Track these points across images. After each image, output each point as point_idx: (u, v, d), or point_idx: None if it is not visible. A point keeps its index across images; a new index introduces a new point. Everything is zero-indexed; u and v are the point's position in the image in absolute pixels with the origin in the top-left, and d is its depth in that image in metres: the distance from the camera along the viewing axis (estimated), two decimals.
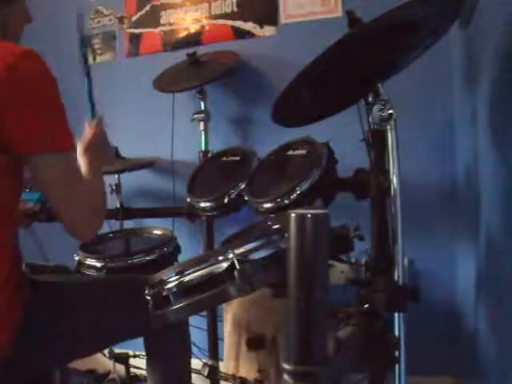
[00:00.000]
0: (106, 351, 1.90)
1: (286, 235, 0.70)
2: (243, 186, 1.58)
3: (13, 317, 1.03)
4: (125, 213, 2.03)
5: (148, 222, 2.17)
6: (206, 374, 1.63)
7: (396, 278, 1.16)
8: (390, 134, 1.17)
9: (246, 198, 1.52)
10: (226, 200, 1.63)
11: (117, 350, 1.90)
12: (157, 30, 2.34)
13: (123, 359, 1.88)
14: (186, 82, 2.03)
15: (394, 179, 1.18)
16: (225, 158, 1.85)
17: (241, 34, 2.18)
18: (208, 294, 0.95)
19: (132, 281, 1.29)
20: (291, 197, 1.34)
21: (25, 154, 1.01)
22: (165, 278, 1.00)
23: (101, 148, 1.29)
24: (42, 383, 1.28)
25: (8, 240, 1.07)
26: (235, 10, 2.19)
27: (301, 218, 0.68)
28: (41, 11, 2.46)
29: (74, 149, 1.09)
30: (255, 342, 1.44)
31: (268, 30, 2.14)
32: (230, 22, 2.20)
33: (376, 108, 1.15)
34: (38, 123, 1.00)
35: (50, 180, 1.03)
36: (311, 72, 1.13)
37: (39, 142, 1.00)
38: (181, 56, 2.11)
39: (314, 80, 1.20)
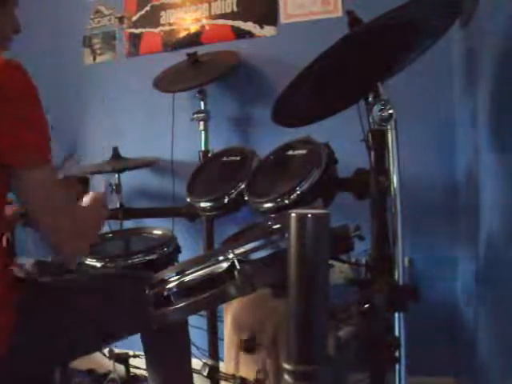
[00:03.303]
0: (106, 351, 1.90)
1: (286, 235, 0.70)
2: (243, 186, 1.58)
3: (6, 316, 1.03)
4: (125, 213, 2.03)
5: (148, 222, 2.17)
6: (205, 373, 1.63)
7: (396, 278, 1.16)
8: (390, 134, 1.17)
9: (246, 198, 1.52)
10: (226, 200, 1.63)
11: (117, 350, 1.90)
12: (157, 30, 2.34)
13: (123, 359, 1.88)
14: (186, 81, 2.03)
15: (394, 179, 1.18)
16: (225, 158, 1.85)
17: (241, 33, 2.18)
18: (208, 294, 0.95)
19: (131, 278, 1.29)
20: (291, 197, 1.34)
21: (14, 167, 1.01)
22: (165, 278, 1.00)
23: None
24: (42, 383, 1.28)
25: None
26: (235, 9, 2.19)
27: (301, 218, 0.68)
28: (41, 11, 2.47)
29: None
30: (255, 342, 1.44)
31: (268, 30, 2.14)
32: (229, 22, 2.20)
33: (376, 108, 1.15)
34: (29, 136, 1.00)
35: (36, 190, 1.03)
36: (311, 72, 1.14)
37: (29, 156, 1.00)
38: (181, 56, 2.11)
39: (314, 80, 1.20)
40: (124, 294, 1.23)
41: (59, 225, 1.07)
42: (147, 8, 2.35)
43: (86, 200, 1.24)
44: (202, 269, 0.97)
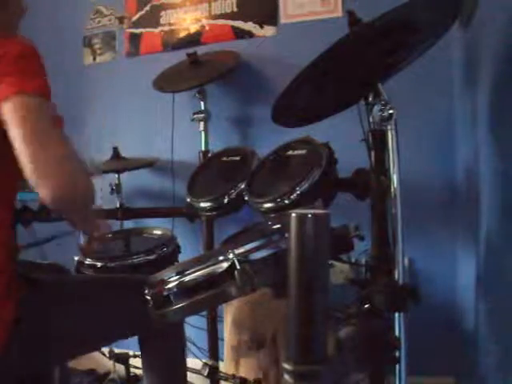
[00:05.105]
0: (106, 351, 1.90)
1: (286, 235, 0.70)
2: (243, 186, 1.58)
3: (6, 314, 1.03)
4: (125, 213, 2.03)
5: (148, 222, 2.17)
6: (205, 374, 1.63)
7: (396, 277, 1.16)
8: (390, 134, 1.17)
9: (246, 198, 1.52)
10: (226, 200, 1.63)
11: (117, 350, 1.90)
12: (157, 30, 2.34)
13: (123, 359, 1.87)
14: (185, 81, 2.03)
15: (394, 179, 1.18)
16: (225, 158, 1.85)
17: (241, 33, 2.18)
18: (208, 294, 0.95)
19: (131, 280, 1.29)
20: (291, 197, 1.34)
21: None
22: (165, 278, 1.00)
23: None
24: (41, 383, 1.28)
25: (4, 229, 1.07)
26: (235, 9, 2.19)
27: (301, 218, 0.68)
28: (41, 11, 2.47)
29: (43, 94, 1.01)
30: (255, 342, 1.44)
31: (268, 30, 2.14)
32: (230, 22, 2.20)
33: (376, 108, 1.15)
34: (10, 77, 0.98)
35: (15, 122, 0.96)
36: (311, 72, 1.14)
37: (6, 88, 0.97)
38: (181, 56, 2.11)
39: (314, 80, 1.20)
40: (122, 296, 1.23)
41: (46, 153, 0.96)
42: (147, 8, 2.35)
43: None
44: (202, 269, 0.97)
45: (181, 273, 0.99)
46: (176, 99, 2.13)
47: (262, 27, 2.14)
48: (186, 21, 2.28)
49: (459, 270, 1.88)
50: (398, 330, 1.16)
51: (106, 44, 2.45)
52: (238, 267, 0.92)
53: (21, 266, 1.27)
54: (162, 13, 2.33)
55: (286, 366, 0.69)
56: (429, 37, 1.20)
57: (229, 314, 1.58)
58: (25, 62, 1.01)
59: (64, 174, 0.97)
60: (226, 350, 1.62)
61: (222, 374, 1.61)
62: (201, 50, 2.11)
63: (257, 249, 0.97)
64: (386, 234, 1.20)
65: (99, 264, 1.63)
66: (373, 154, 1.22)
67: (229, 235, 1.48)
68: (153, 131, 2.32)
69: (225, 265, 0.95)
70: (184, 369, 1.38)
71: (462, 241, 1.83)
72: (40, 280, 1.18)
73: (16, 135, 0.95)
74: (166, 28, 2.32)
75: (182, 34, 2.30)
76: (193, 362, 1.42)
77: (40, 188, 0.95)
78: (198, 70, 2.03)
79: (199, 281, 0.97)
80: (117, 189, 2.05)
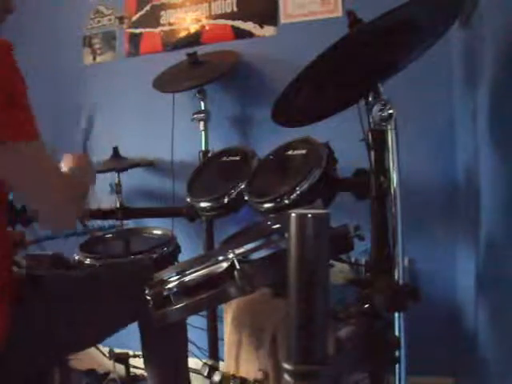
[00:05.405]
0: (106, 351, 1.90)
1: (286, 235, 0.70)
2: (243, 186, 1.58)
3: (4, 310, 1.03)
4: (125, 212, 2.03)
5: (148, 222, 2.17)
6: (205, 374, 1.63)
7: (396, 277, 1.16)
8: (389, 134, 1.17)
9: (246, 198, 1.52)
10: (226, 200, 1.63)
11: (117, 350, 1.90)
12: (157, 30, 2.34)
13: (123, 359, 1.88)
14: (186, 81, 2.03)
15: (394, 179, 1.18)
16: (225, 158, 1.85)
17: (241, 34, 2.18)
18: (208, 294, 0.95)
19: (132, 268, 1.30)
20: (291, 197, 1.34)
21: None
22: (165, 278, 1.00)
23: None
24: (41, 383, 1.28)
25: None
26: (235, 9, 2.19)
27: (301, 218, 0.68)
28: (41, 11, 2.47)
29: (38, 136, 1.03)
30: (255, 342, 1.44)
31: (268, 30, 2.14)
32: (229, 22, 2.20)
33: (376, 108, 1.15)
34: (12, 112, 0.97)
35: (23, 165, 1.01)
36: (311, 72, 1.14)
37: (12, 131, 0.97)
38: (181, 56, 2.11)
39: (314, 80, 1.20)
40: (122, 285, 1.24)
41: (50, 198, 1.05)
42: (147, 8, 2.35)
43: (69, 161, 1.23)
44: (202, 269, 0.97)
45: (181, 273, 0.99)
46: (176, 99, 2.13)
47: (262, 27, 2.14)
48: (186, 21, 2.28)
49: (459, 270, 1.88)
50: (398, 329, 1.16)
51: (106, 44, 2.45)
52: (238, 267, 0.92)
53: (24, 261, 1.29)
54: (162, 13, 2.33)
55: (286, 366, 0.70)
56: (429, 37, 1.20)
57: (229, 313, 1.58)
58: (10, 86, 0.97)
59: (74, 210, 1.12)
60: (226, 349, 1.62)
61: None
62: (201, 50, 2.11)
63: (257, 249, 0.97)
64: (386, 234, 1.20)
65: (99, 264, 1.63)
66: (373, 153, 1.22)
67: (229, 235, 1.48)
68: (153, 131, 2.32)
69: (225, 265, 0.95)
70: (186, 367, 1.38)
71: (462, 241, 1.83)
72: (40, 276, 1.18)
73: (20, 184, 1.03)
74: (166, 28, 2.32)
75: (182, 34, 2.30)
76: (193, 362, 1.42)
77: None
78: (197, 70, 2.03)
79: (199, 281, 0.97)
80: (117, 189, 2.05)
